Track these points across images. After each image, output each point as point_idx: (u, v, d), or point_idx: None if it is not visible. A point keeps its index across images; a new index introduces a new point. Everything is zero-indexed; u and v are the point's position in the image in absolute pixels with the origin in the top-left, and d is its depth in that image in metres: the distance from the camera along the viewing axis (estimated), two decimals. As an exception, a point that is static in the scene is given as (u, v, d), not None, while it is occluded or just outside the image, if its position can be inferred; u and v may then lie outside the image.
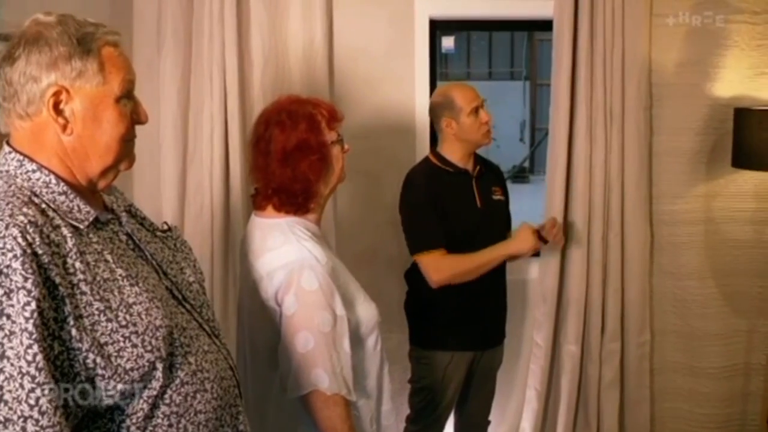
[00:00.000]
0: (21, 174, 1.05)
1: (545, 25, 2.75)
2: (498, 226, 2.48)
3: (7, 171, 1.06)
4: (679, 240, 2.88)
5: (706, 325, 2.93)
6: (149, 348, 1.02)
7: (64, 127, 1.06)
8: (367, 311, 1.64)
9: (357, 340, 1.62)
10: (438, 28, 2.77)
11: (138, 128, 1.17)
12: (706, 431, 2.98)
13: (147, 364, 1.02)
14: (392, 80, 2.77)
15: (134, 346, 1.00)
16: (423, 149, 2.79)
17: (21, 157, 1.06)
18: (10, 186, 1.03)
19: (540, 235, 2.43)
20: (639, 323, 2.83)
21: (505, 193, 2.53)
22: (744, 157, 2.66)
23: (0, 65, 1.06)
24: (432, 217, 2.31)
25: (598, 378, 2.79)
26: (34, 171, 1.06)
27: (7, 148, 1.09)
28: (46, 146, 1.07)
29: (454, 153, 2.41)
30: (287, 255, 1.56)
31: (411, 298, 2.51)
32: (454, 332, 2.38)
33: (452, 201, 2.35)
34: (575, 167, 2.71)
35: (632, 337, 2.82)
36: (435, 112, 2.44)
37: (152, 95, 2.35)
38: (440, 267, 2.31)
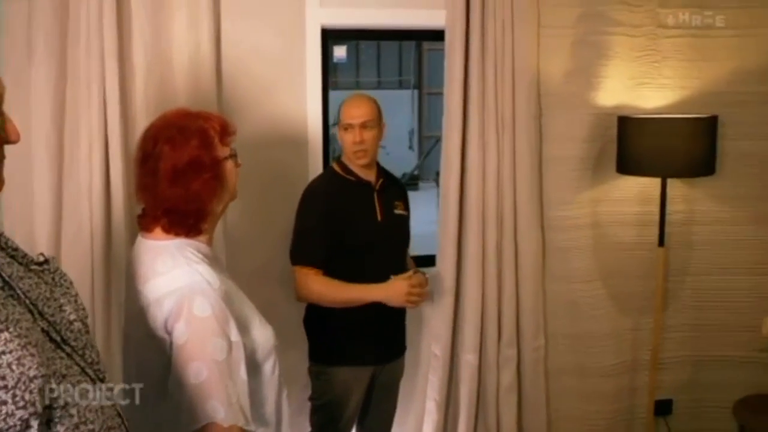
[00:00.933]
0: None
1: (437, 36, 2.77)
2: (397, 240, 2.46)
3: None
4: (568, 245, 2.97)
5: (596, 326, 3.04)
6: (21, 404, 0.89)
7: None
8: (263, 335, 1.56)
9: (253, 365, 1.54)
10: (330, 37, 2.72)
11: (7, 147, 1.04)
12: (598, 428, 3.09)
13: (19, 422, 0.89)
14: (283, 90, 2.68)
15: (3, 403, 0.89)
16: (315, 161, 2.73)
17: None
18: None
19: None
20: (534, 328, 2.89)
21: (407, 208, 2.51)
22: (627, 163, 2.78)
23: None
24: (320, 233, 2.27)
25: (496, 384, 2.83)
26: None
27: None
28: None
29: (352, 163, 2.38)
30: (177, 280, 1.46)
31: (310, 312, 2.44)
32: (353, 347, 2.34)
33: (352, 212, 2.31)
34: (469, 175, 2.74)
35: (528, 343, 2.88)
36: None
37: (23, 110, 2.17)
38: (308, 286, 2.28)
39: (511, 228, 2.80)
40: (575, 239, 2.97)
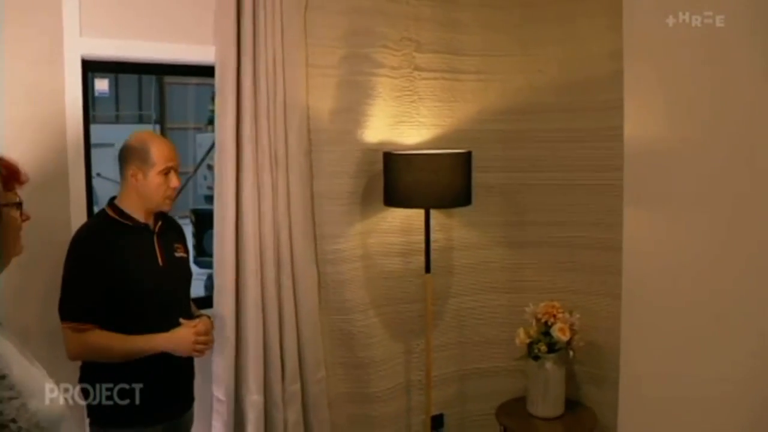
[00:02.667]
0: None
1: (205, 71, 2.71)
2: (180, 285, 2.33)
3: None
4: (343, 277, 3.05)
5: (372, 353, 3.15)
6: None
7: None
8: (47, 404, 1.39)
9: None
10: (90, 69, 2.53)
11: None
12: (381, 451, 3.20)
13: None
14: (39, 124, 2.40)
15: None
16: (78, 204, 2.46)
17: None
18: None
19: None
20: (314, 361, 2.92)
21: (187, 249, 2.40)
22: (393, 196, 2.94)
23: None
24: (92, 284, 2.08)
25: (283, 422, 2.80)
26: None
27: None
28: None
29: (134, 206, 2.21)
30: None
31: (87, 371, 2.19)
32: (140, 405, 2.13)
33: (131, 259, 2.15)
34: (245, 212, 2.71)
35: (310, 375, 2.90)
36: (125, 156, 2.21)
37: None
38: (80, 342, 2.08)
39: (288, 263, 2.81)
40: (349, 271, 3.07)
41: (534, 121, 3.30)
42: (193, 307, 2.43)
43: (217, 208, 2.70)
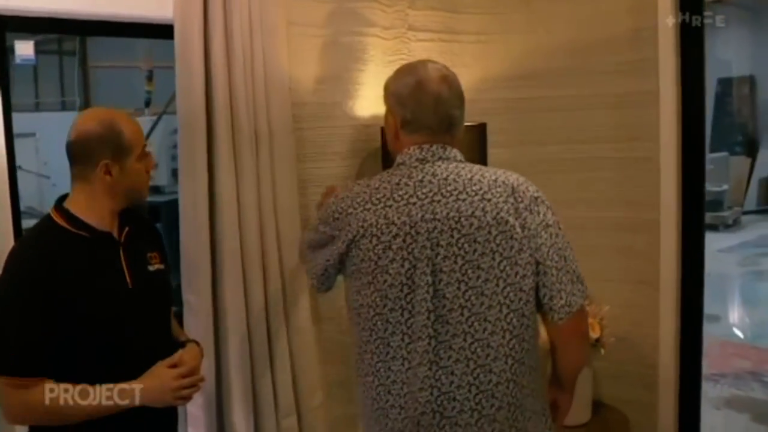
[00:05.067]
0: None
1: (161, 31, 2.14)
2: (158, 307, 1.74)
3: None
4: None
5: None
6: None
7: None
8: None
9: None
10: (8, 27, 1.92)
11: None
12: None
13: None
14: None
15: None
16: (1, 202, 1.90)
17: None
18: None
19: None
20: (310, 386, 2.42)
21: (165, 258, 1.78)
22: None
23: None
24: (32, 321, 1.48)
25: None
26: None
27: None
28: None
29: (93, 210, 1.61)
30: None
31: None
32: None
33: (90, 282, 1.55)
34: (219, 207, 2.16)
35: (306, 403, 2.40)
36: (87, 149, 1.58)
37: None
38: (23, 404, 1.51)
39: (277, 270, 2.28)
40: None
41: (543, 87, 2.85)
42: (178, 330, 1.85)
43: (183, 206, 2.15)
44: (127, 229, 1.67)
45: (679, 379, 2.69)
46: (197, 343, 1.75)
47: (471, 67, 2.81)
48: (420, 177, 1.58)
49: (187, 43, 2.06)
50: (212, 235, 2.17)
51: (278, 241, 2.28)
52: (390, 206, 1.55)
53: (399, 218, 1.54)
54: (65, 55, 11.16)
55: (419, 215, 1.54)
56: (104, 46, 10.57)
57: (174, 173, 5.30)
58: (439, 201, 1.55)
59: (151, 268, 1.69)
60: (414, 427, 1.53)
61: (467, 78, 2.78)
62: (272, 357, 2.26)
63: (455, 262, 1.53)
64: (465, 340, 1.53)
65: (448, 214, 1.54)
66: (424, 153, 1.61)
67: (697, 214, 2.68)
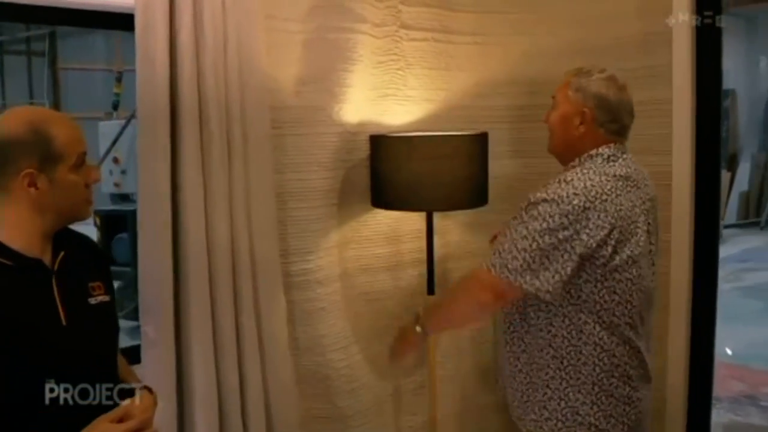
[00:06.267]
0: None
1: (119, 21, 1.86)
2: (99, 347, 1.42)
3: None
4: (316, 305, 2.28)
5: (354, 402, 2.40)
6: None
7: None
8: None
9: None
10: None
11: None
12: None
13: None
14: None
15: None
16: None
17: None
18: None
19: None
20: (286, 424, 2.12)
21: (110, 288, 1.48)
22: (385, 195, 2.23)
23: None
24: None
25: None
26: None
27: None
28: None
29: (18, 231, 1.30)
30: None
31: None
32: None
33: (14, 321, 1.24)
34: (184, 223, 1.88)
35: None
36: (7, 152, 1.28)
37: None
38: None
39: (250, 295, 2.00)
40: (323, 297, 2.29)
41: (545, 94, 2.60)
42: (126, 373, 1.55)
43: (142, 223, 1.87)
44: (62, 254, 1.36)
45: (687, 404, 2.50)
46: (150, 389, 1.45)
47: (467, 70, 2.58)
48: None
49: (149, 29, 1.77)
50: (175, 255, 1.89)
51: (252, 262, 2.00)
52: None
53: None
54: (34, 56, 10.77)
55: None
56: (74, 48, 10.21)
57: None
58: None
59: (92, 300, 1.38)
60: None
61: (463, 83, 2.55)
62: (244, 395, 1.97)
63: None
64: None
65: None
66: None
67: (711, 234, 2.47)
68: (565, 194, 1.68)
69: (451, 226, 2.59)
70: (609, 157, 1.80)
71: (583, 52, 2.55)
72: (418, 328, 1.92)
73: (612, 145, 1.82)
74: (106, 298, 1.42)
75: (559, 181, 1.73)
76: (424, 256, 2.43)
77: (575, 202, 1.66)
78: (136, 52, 1.79)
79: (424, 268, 2.43)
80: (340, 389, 2.35)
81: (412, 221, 2.47)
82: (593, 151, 1.81)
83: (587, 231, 1.66)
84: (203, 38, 1.83)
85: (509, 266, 1.67)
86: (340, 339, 2.35)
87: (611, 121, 1.83)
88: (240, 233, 1.96)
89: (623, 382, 1.76)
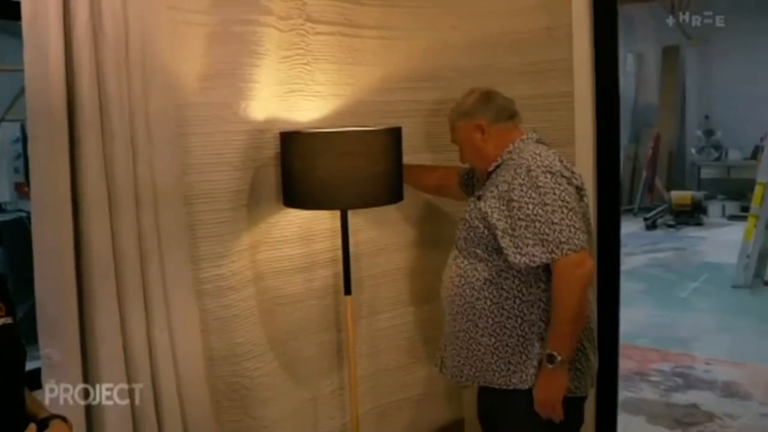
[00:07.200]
0: None
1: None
2: (3, 376, 1.28)
3: None
4: (229, 312, 2.15)
5: (270, 411, 2.30)
6: None
7: None
8: None
9: None
10: None
11: None
12: None
13: None
14: None
15: None
16: None
17: None
18: None
19: None
20: (202, 424, 2.01)
21: (12, 309, 1.31)
22: (297, 194, 2.15)
23: None
24: None
25: None
26: None
27: None
28: None
29: None
30: None
31: None
32: None
33: None
34: (86, 230, 1.73)
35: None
36: None
37: None
38: None
39: (162, 307, 1.87)
40: (236, 304, 2.18)
41: (449, 89, 2.60)
42: (35, 404, 1.40)
43: (36, 241, 1.69)
44: None
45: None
46: (64, 419, 1.32)
47: (374, 65, 2.53)
48: None
49: (39, 19, 1.60)
50: (78, 267, 1.73)
51: (162, 269, 1.87)
52: None
53: None
54: None
55: None
56: None
57: (17, 187, 4.71)
58: None
59: None
60: None
61: (369, 77, 2.51)
62: (160, 416, 1.84)
63: None
64: None
65: None
66: None
67: (613, 219, 2.57)
68: (548, 163, 1.89)
69: (362, 224, 2.54)
70: (537, 140, 2.02)
71: (487, 47, 2.59)
72: (550, 366, 1.88)
73: (526, 133, 2.04)
74: (8, 320, 1.27)
75: (527, 167, 1.90)
76: (336, 255, 2.38)
77: (557, 167, 1.90)
78: (24, 45, 1.62)
79: (337, 268, 2.38)
80: (257, 399, 2.25)
81: (324, 219, 2.40)
82: (517, 141, 2.01)
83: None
84: (102, 31, 1.68)
85: (574, 239, 1.82)
86: (256, 346, 2.24)
87: (501, 110, 2.06)
88: (148, 241, 1.82)
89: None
